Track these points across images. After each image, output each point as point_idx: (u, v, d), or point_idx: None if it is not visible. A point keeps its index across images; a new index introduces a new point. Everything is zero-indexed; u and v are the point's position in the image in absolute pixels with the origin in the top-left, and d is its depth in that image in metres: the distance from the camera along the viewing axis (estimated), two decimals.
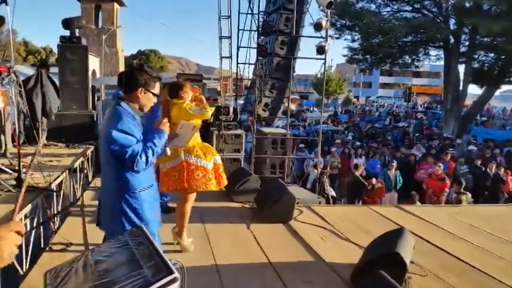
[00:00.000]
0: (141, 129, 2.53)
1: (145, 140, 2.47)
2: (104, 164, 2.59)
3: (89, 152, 6.54)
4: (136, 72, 2.52)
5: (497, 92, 25.51)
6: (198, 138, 3.82)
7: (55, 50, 8.34)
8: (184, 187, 3.61)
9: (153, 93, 2.54)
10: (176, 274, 1.33)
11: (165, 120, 2.67)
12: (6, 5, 4.55)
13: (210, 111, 3.67)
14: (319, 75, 14.98)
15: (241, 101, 13.83)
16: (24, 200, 3.63)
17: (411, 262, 3.28)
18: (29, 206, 3.58)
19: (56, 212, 3.43)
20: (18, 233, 1.12)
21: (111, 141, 2.36)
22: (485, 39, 18.27)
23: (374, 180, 9.03)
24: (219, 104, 8.44)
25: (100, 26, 39.20)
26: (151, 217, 2.58)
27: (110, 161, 2.46)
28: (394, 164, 10.11)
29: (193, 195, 3.79)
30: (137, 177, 2.49)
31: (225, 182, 3.90)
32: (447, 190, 9.39)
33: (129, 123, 2.41)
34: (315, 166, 9.42)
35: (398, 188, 10.07)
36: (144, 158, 2.40)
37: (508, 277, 3.55)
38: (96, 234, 3.32)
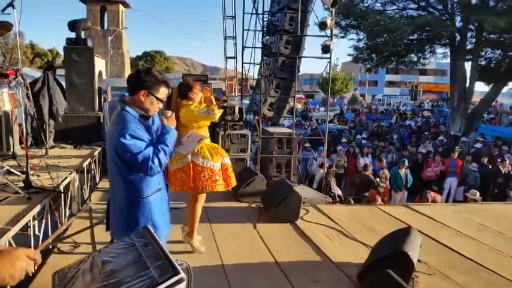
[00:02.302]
0: (150, 132, 2.48)
1: (156, 142, 2.44)
2: (110, 169, 2.54)
3: (96, 153, 6.58)
4: (142, 73, 2.45)
5: (505, 89, 25.25)
6: (207, 138, 3.83)
7: (61, 52, 8.41)
8: (191, 187, 3.62)
9: (156, 98, 2.44)
10: (182, 274, 1.34)
11: (169, 113, 2.56)
12: (13, 8, 4.59)
13: (218, 113, 3.67)
14: (324, 74, 14.99)
15: (246, 101, 13.84)
16: (31, 202, 3.67)
17: (418, 261, 3.26)
18: (37, 208, 3.61)
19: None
20: (34, 261, 1.17)
21: (121, 149, 2.32)
22: (492, 36, 18.11)
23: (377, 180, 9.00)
24: (227, 105, 8.47)
25: (106, 27, 39.43)
26: (160, 221, 2.55)
27: (117, 166, 2.43)
28: (405, 163, 10.06)
29: (203, 196, 3.82)
30: (145, 182, 2.46)
31: (234, 182, 3.90)
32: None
33: (136, 128, 2.35)
34: (321, 165, 9.41)
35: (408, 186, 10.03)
36: (156, 161, 2.36)
37: None
38: (104, 235, 3.34)
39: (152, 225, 2.44)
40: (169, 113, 2.57)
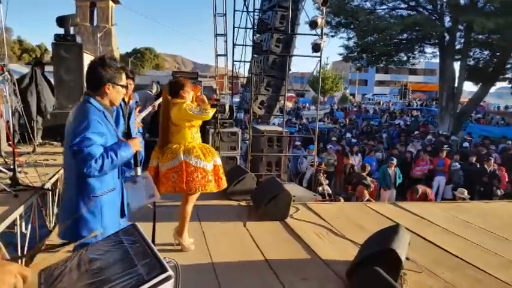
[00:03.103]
0: (111, 127, 2.41)
1: (109, 147, 2.34)
2: (66, 163, 2.45)
3: None
4: (100, 67, 2.39)
5: (493, 89, 25.62)
6: (198, 138, 3.79)
7: (50, 48, 8.32)
8: (183, 188, 3.54)
9: (121, 85, 2.44)
10: (170, 272, 1.33)
11: (139, 140, 2.58)
12: (0, 3, 4.54)
13: (211, 112, 3.62)
14: (315, 73, 15.05)
15: (237, 99, 13.84)
16: (19, 200, 3.62)
17: (407, 258, 3.29)
18: (24, 206, 3.56)
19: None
20: (23, 278, 1.13)
21: (72, 138, 2.24)
22: (480, 36, 18.35)
23: (368, 179, 9.05)
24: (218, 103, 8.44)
25: (95, 24, 39.12)
26: (111, 222, 2.43)
27: (71, 161, 2.32)
28: (394, 161, 10.14)
29: (194, 196, 3.77)
30: (99, 180, 2.36)
31: (224, 184, 3.82)
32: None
33: (96, 121, 2.28)
34: (312, 164, 9.45)
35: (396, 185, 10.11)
36: (99, 163, 2.23)
37: (502, 272, 3.57)
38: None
39: (102, 226, 2.36)
40: (137, 140, 2.59)
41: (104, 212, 2.40)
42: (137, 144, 2.53)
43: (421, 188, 8.35)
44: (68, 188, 2.46)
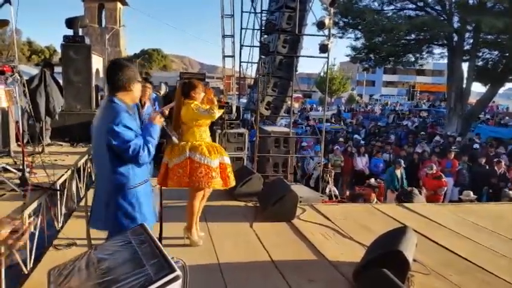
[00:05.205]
0: (138, 123, 2.61)
1: (143, 134, 2.55)
2: (98, 161, 2.63)
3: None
4: (122, 68, 2.54)
5: (501, 90, 25.39)
6: (207, 137, 3.94)
7: (59, 49, 8.40)
8: (187, 182, 3.70)
9: (139, 81, 2.64)
10: (178, 272, 1.34)
11: (158, 114, 2.73)
12: (10, 4, 4.58)
13: (217, 113, 3.80)
14: (322, 74, 15.01)
15: (244, 100, 13.85)
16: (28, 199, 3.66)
17: (414, 260, 3.27)
18: (33, 205, 3.60)
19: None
20: None
21: (113, 136, 2.39)
22: (489, 36, 18.16)
23: (372, 180, 9.01)
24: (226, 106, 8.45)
25: (103, 25, 39.39)
26: (148, 212, 2.63)
27: (105, 157, 2.48)
28: (402, 163, 10.06)
29: (201, 193, 3.89)
30: (133, 172, 2.53)
31: (232, 182, 3.95)
32: (444, 188, 9.38)
33: (127, 117, 2.45)
34: (319, 165, 9.42)
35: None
36: (146, 151, 2.48)
37: (511, 275, 3.54)
38: (100, 233, 3.34)
39: (142, 214, 2.53)
40: (157, 115, 2.74)
41: (142, 201, 2.57)
42: (158, 119, 2.68)
43: (435, 168, 8.45)
44: (101, 183, 2.63)
